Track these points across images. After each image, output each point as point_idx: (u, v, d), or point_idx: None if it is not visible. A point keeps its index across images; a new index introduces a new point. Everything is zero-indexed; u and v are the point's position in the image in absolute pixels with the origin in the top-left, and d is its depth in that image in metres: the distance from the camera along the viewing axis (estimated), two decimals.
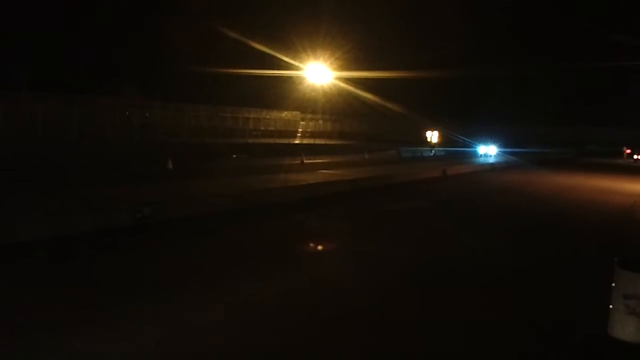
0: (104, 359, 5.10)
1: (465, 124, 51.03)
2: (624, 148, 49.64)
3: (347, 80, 39.17)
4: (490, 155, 39.15)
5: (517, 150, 41.43)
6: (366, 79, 39.21)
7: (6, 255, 8.19)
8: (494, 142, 41.80)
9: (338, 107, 45.94)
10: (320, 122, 49.55)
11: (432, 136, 45.15)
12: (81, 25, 31.42)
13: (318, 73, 37.55)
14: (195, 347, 5.33)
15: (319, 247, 10.40)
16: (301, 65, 36.68)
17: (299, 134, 45.15)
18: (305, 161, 27.44)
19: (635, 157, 47.36)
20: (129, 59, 32.84)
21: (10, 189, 13.14)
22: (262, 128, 43.62)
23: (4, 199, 11.45)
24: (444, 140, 45.54)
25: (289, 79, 38.52)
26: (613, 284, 5.74)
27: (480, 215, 14.43)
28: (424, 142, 44.07)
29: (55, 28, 30.57)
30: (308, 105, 43.60)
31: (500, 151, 40.74)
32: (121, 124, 31.14)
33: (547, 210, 15.74)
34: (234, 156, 28.95)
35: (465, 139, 43.11)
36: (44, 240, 8.92)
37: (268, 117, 44.38)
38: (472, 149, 41.65)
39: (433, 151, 40.02)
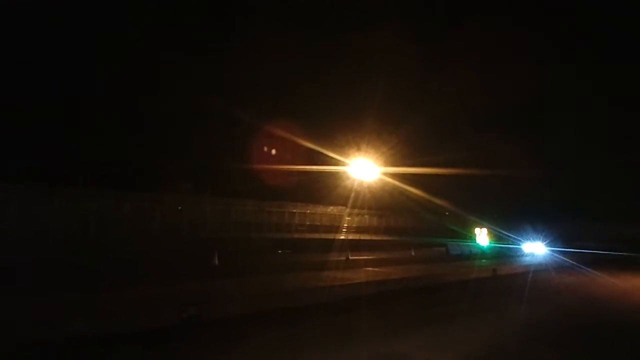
0: None
1: (517, 220, 49.49)
2: None
3: (393, 175, 39.38)
4: (537, 255, 36.61)
5: (569, 249, 37.96)
6: (412, 174, 39.31)
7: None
8: (542, 239, 39.34)
9: (384, 202, 45.86)
10: (366, 217, 49.42)
11: (481, 233, 44.20)
12: (133, 123, 33.10)
13: (363, 168, 37.98)
14: None
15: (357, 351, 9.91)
16: (346, 161, 37.24)
17: (344, 229, 44.99)
18: (351, 257, 27.16)
19: None
20: (179, 155, 34.09)
21: (58, 287, 13.35)
22: (308, 223, 43.75)
23: (50, 297, 11.59)
24: (493, 237, 44.44)
25: (334, 174, 39.00)
26: None
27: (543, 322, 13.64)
28: (472, 239, 43.11)
29: (110, 125, 32.27)
30: (353, 200, 43.75)
31: (550, 250, 38.12)
32: (170, 221, 31.82)
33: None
34: (279, 252, 28.95)
35: (514, 235, 41.53)
36: (84, 339, 8.85)
37: (314, 212, 44.61)
38: (518, 246, 39.56)
39: (482, 249, 39.00)
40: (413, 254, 31.96)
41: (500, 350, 10.13)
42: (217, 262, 21.51)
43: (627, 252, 39.89)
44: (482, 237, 43.75)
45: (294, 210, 42.71)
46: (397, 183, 40.35)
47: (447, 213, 47.47)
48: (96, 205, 27.59)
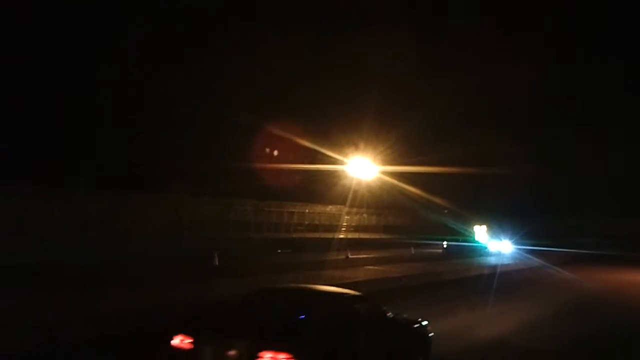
0: None
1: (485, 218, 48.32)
2: None
3: (392, 174, 39.41)
4: (504, 254, 33.11)
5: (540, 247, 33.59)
6: (411, 173, 39.37)
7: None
8: (510, 236, 35.92)
9: (382, 201, 45.96)
10: (365, 215, 49.47)
11: (480, 231, 44.15)
12: (132, 123, 33.11)
13: (362, 167, 38.02)
14: None
15: None
16: (345, 160, 37.27)
17: (343, 228, 45.02)
18: (351, 256, 27.17)
19: None
20: (178, 156, 34.11)
21: (59, 287, 13.37)
22: (307, 222, 43.75)
23: (50, 298, 11.60)
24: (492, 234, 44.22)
25: (332, 172, 39.03)
26: None
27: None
28: (472, 237, 43.05)
29: (110, 127, 32.30)
30: (352, 199, 43.79)
31: (517, 248, 34.46)
32: (170, 221, 31.85)
33: None
34: (279, 251, 28.96)
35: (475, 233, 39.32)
36: (84, 340, 8.84)
37: (313, 211, 44.61)
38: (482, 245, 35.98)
39: (481, 246, 38.88)
40: (413, 252, 31.98)
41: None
42: (217, 262, 21.50)
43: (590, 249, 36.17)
44: (482, 234, 43.70)
45: (293, 210, 42.71)
46: (395, 182, 40.40)
47: (446, 211, 47.55)
48: (95, 207, 27.56)
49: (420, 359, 8.07)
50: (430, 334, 8.50)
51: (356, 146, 37.05)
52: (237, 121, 34.25)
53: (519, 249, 34.02)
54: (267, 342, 5.82)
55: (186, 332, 6.25)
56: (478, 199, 49.66)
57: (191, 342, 6.14)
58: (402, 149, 38.47)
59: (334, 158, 36.05)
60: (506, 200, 48.67)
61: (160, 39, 35.31)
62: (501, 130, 47.09)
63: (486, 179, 47.35)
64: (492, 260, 28.01)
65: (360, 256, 28.14)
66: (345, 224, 46.61)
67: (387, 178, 39.87)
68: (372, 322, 7.09)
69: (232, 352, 5.84)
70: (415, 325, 8.26)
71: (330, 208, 46.28)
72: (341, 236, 40.17)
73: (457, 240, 37.15)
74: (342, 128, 37.13)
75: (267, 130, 33.07)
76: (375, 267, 21.63)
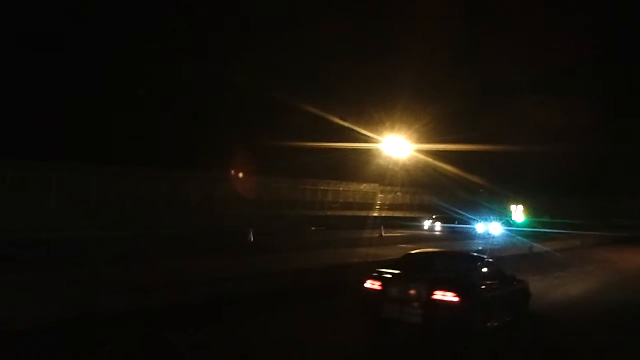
0: None
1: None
2: None
3: (426, 152, 38.95)
4: (494, 236, 30.57)
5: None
6: (446, 151, 38.78)
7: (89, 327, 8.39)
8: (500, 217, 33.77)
9: (416, 179, 45.53)
10: (399, 194, 49.24)
11: (517, 210, 43.38)
12: (166, 101, 33.54)
13: (396, 145, 37.71)
14: None
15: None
16: (379, 138, 37.01)
17: (377, 206, 44.93)
18: (384, 234, 27.14)
19: None
20: (213, 133, 34.39)
21: (99, 261, 13.79)
22: (341, 200, 43.82)
23: (92, 272, 11.95)
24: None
25: (367, 151, 38.85)
26: None
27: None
28: (508, 216, 42.33)
29: (144, 104, 32.79)
30: (386, 177, 43.57)
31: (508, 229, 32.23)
32: (205, 198, 32.33)
33: None
34: (313, 228, 29.11)
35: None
36: (122, 313, 9.07)
37: (347, 189, 44.62)
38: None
39: (517, 225, 38.16)
40: (445, 230, 31.69)
41: None
42: (251, 239, 21.77)
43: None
44: (518, 213, 42.94)
45: (327, 188, 42.80)
46: (430, 160, 39.91)
47: (481, 190, 46.89)
48: (131, 183, 28.13)
49: (523, 307, 10.25)
50: (529, 290, 10.68)
51: (391, 125, 36.72)
52: (273, 99, 34.30)
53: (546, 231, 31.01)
54: (438, 284, 8.26)
55: (374, 279, 8.88)
56: (517, 178, 48.37)
57: (380, 285, 8.73)
58: (438, 126, 37.83)
59: (369, 136, 35.84)
60: (544, 179, 47.23)
61: (199, 13, 35.63)
62: (546, 103, 45.12)
63: (528, 156, 45.85)
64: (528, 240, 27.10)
65: (395, 234, 28.08)
66: (379, 202, 46.51)
67: (422, 156, 39.47)
68: (498, 276, 9.55)
69: (412, 291, 8.30)
70: (520, 282, 10.47)
71: (364, 186, 46.19)
72: (375, 214, 40.11)
73: (489, 220, 35.83)
74: (377, 107, 36.76)
75: (302, 108, 32.98)
76: (409, 246, 21.50)
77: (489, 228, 32.67)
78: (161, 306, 9.57)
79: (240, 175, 34.68)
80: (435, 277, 8.76)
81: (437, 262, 10.15)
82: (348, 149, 36.90)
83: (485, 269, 9.50)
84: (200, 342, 8.12)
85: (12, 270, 11.50)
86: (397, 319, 8.41)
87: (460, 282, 8.53)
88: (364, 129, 35.41)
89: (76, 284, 10.19)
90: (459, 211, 35.67)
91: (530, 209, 44.03)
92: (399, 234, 28.57)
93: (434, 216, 37.92)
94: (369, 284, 8.85)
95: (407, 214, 44.33)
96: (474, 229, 32.88)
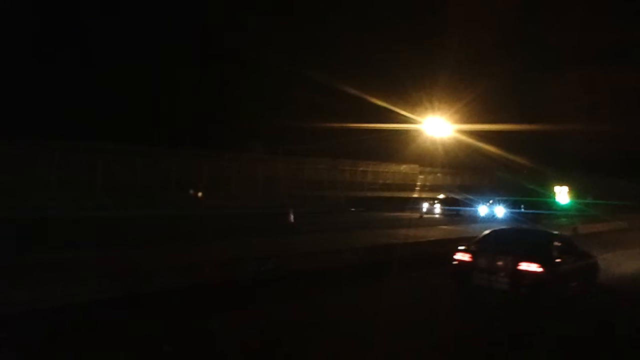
0: None
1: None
2: None
3: (468, 132, 38.30)
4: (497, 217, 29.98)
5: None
6: (489, 131, 38.05)
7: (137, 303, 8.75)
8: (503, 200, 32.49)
9: (458, 160, 44.88)
10: (439, 175, 48.75)
11: (561, 192, 42.25)
12: (209, 83, 33.91)
13: (437, 126, 37.21)
14: None
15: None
16: (419, 119, 36.59)
17: (417, 188, 44.63)
18: (424, 215, 27.03)
19: None
20: (254, 115, 34.71)
21: (149, 240, 14.28)
22: (380, 181, 43.70)
23: (144, 250, 12.40)
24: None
25: (407, 132, 38.47)
26: None
27: None
28: (552, 197, 41.29)
29: (187, 87, 33.27)
30: (426, 158, 43.13)
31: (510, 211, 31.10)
32: (246, 180, 32.75)
33: None
34: (352, 209, 29.23)
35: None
36: (172, 290, 9.42)
37: (386, 170, 44.44)
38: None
39: (561, 207, 37.23)
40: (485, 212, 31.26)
41: None
42: (292, 219, 22.02)
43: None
44: (562, 195, 41.84)
45: (367, 169, 42.74)
46: (471, 140, 39.23)
47: (525, 171, 45.87)
48: (175, 164, 28.75)
49: (592, 280, 11.10)
50: (599, 264, 11.56)
51: (432, 105, 36.21)
52: (314, 80, 34.29)
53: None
54: (523, 256, 9.31)
55: (464, 251, 10.12)
56: (561, 158, 46.88)
57: (470, 257, 9.92)
58: (479, 106, 37.12)
59: (409, 117, 35.47)
60: (589, 159, 45.66)
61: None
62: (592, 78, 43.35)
63: (574, 134, 44.25)
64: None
65: (435, 216, 27.94)
66: (419, 183, 46.18)
67: (463, 137, 38.86)
68: (572, 251, 10.63)
69: (500, 263, 9.40)
70: (591, 257, 11.40)
71: (404, 167, 45.90)
72: (415, 195, 39.90)
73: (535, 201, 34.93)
74: (417, 87, 36.32)
75: (342, 89, 32.89)
76: (448, 227, 21.40)
77: (494, 211, 31.86)
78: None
79: (280, 156, 34.95)
80: (520, 251, 9.66)
81: (518, 237, 11.23)
82: (388, 129, 36.67)
83: (562, 245, 10.52)
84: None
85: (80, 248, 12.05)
86: (487, 286, 9.50)
87: (542, 255, 9.54)
88: (404, 109, 35.03)
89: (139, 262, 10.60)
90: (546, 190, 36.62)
91: (575, 191, 42.80)
92: (438, 215, 28.39)
93: (439, 196, 36.66)
94: (459, 255, 10.09)
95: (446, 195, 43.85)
96: (477, 211, 32.20)
